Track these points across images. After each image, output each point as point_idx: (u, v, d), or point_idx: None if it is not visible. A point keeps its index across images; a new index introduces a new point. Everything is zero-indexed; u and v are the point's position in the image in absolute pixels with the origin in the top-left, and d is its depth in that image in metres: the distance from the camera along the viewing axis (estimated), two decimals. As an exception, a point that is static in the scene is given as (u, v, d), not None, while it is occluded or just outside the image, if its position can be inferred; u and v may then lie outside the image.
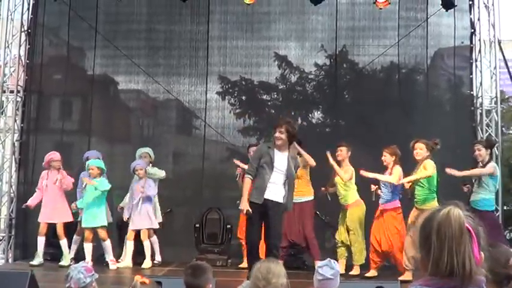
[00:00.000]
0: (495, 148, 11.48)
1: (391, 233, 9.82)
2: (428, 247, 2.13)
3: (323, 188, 10.57)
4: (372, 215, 10.12)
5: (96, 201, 10.51)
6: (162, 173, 11.25)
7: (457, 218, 2.11)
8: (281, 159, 8.32)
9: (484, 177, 9.86)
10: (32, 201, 10.97)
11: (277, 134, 8.29)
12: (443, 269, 2.09)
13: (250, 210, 8.13)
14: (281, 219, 8.44)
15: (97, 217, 10.53)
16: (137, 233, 10.77)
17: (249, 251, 8.60)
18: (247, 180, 8.32)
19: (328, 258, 5.46)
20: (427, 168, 9.46)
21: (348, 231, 10.23)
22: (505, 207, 13.14)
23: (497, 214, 11.00)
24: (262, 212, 8.19)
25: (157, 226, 11.00)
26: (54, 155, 11.03)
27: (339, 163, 10.32)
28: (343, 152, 10.33)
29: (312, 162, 10.24)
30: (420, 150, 9.62)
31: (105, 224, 10.61)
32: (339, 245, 10.34)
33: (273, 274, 4.24)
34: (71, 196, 11.08)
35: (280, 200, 8.29)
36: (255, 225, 8.23)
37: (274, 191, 8.27)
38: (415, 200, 9.60)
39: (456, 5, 12.29)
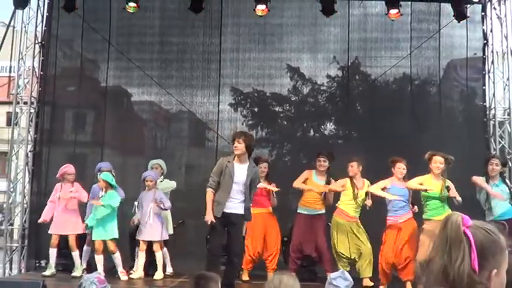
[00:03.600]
0: (509, 164, 11.51)
1: (412, 243, 9.80)
2: (431, 250, 2.18)
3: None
4: (376, 227, 10.17)
5: (108, 215, 10.45)
6: (172, 184, 11.28)
7: (454, 221, 2.15)
8: (241, 171, 8.66)
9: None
10: (46, 216, 10.87)
11: (235, 144, 8.64)
12: (438, 269, 2.12)
13: (214, 220, 8.49)
14: (241, 229, 8.93)
15: (108, 230, 10.46)
16: (149, 244, 10.75)
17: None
18: (209, 193, 8.67)
19: (341, 270, 5.46)
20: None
21: (357, 244, 10.21)
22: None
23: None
24: (224, 223, 8.59)
25: (167, 237, 10.96)
26: (68, 168, 11.02)
27: (351, 178, 10.36)
28: (354, 167, 10.33)
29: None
30: (440, 164, 9.64)
31: (115, 236, 10.57)
32: (343, 257, 10.27)
33: (285, 285, 4.24)
34: (82, 207, 11.08)
35: (241, 211, 8.64)
36: (217, 235, 8.68)
37: (234, 204, 8.62)
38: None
39: (469, 16, 12.31)
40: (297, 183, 10.56)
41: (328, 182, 10.45)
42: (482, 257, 2.10)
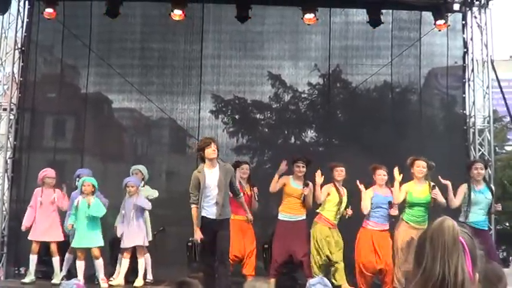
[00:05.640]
0: (488, 168, 11.54)
1: (386, 252, 9.84)
2: (422, 257, 2.12)
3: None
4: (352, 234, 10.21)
5: (89, 222, 10.36)
6: (153, 193, 11.21)
7: (451, 228, 2.11)
8: (212, 175, 8.93)
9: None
10: (27, 222, 10.80)
11: (213, 148, 8.94)
12: (435, 277, 2.07)
13: (203, 237, 8.84)
14: (227, 229, 9.09)
15: (89, 238, 10.36)
16: (132, 251, 10.67)
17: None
18: (193, 210, 9.02)
19: (320, 276, 5.44)
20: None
21: (331, 251, 10.21)
22: (498, 226, 13.17)
23: (490, 233, 11.02)
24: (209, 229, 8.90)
25: (147, 244, 10.88)
26: (47, 172, 10.96)
27: (338, 183, 10.38)
28: (343, 172, 10.40)
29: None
30: (423, 168, 9.72)
31: (99, 244, 10.47)
32: (318, 263, 10.26)
33: None
34: (62, 214, 10.99)
35: (215, 215, 8.92)
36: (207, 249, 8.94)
37: (210, 208, 8.95)
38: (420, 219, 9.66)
39: (449, 25, 12.38)
40: (273, 186, 10.57)
41: (306, 186, 10.45)
42: (473, 263, 2.09)
